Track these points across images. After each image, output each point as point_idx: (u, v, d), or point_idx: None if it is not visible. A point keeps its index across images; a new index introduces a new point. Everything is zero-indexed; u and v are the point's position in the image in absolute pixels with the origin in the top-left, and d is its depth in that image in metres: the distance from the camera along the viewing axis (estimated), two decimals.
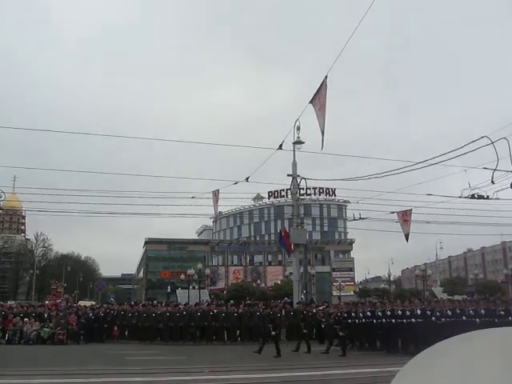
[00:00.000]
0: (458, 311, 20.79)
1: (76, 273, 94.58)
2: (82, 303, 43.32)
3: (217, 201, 32.46)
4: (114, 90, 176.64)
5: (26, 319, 28.09)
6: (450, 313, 20.62)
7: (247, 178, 29.78)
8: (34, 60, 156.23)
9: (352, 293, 78.89)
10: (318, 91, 17.87)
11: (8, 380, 13.09)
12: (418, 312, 20.71)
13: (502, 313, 20.95)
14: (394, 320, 21.33)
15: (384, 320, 21.77)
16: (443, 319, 20.26)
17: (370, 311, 22.83)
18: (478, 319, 20.16)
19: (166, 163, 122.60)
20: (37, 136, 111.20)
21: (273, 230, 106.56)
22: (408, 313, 21.07)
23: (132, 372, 15.01)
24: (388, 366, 14.41)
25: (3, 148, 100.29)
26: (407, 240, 32.00)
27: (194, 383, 13.22)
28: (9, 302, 40.71)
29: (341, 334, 20.86)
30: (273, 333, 20.60)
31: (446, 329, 19.00)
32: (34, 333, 27.08)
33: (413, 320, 20.63)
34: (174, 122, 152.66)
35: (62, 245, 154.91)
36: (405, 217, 30.67)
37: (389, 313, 21.85)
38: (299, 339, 22.17)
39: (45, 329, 27.27)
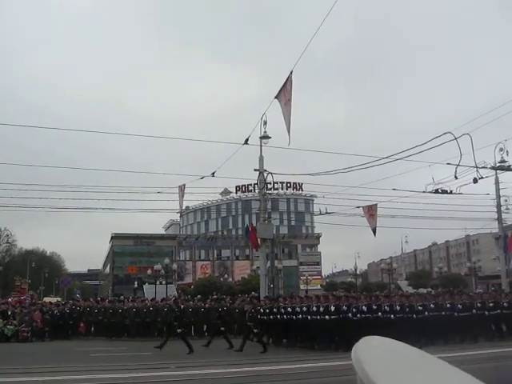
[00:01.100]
0: (375, 307, 20.67)
1: (41, 269, 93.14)
2: (47, 300, 42.76)
3: (183, 195, 32.42)
4: (80, 81, 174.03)
5: None
6: (365, 309, 20.42)
7: (213, 173, 29.74)
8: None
9: (319, 286, 79.38)
10: (283, 86, 17.93)
11: None
12: (332, 308, 20.30)
13: (420, 308, 21.08)
14: (309, 316, 20.90)
15: (301, 316, 21.37)
16: (359, 315, 20.07)
17: (290, 307, 22.31)
18: (392, 315, 20.20)
19: (130, 158, 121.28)
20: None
21: (240, 225, 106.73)
22: (322, 309, 20.66)
23: (97, 369, 14.89)
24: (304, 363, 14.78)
25: None
26: (375, 234, 32.37)
27: (161, 379, 13.17)
28: None
29: (255, 330, 20.64)
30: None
31: (361, 325, 19.04)
32: None
33: (327, 317, 20.25)
34: (139, 116, 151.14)
35: (26, 240, 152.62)
36: (370, 211, 31.01)
37: (305, 309, 21.46)
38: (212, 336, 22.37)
39: (8, 326, 26.89)
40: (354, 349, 1.13)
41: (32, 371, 14.46)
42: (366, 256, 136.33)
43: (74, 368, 15.02)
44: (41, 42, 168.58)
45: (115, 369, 14.80)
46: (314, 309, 20.96)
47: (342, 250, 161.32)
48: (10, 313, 28.51)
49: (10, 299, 40.53)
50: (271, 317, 22.70)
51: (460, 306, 22.10)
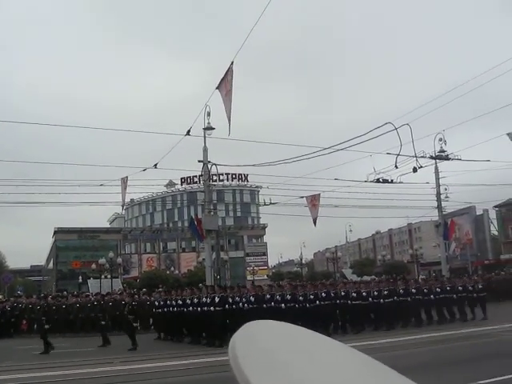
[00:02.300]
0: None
1: None
2: None
3: (125, 188, 32.11)
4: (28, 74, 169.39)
5: None
6: (252, 299, 20.26)
7: (155, 165, 29.54)
8: None
9: (265, 277, 79.92)
10: (224, 77, 17.96)
11: None
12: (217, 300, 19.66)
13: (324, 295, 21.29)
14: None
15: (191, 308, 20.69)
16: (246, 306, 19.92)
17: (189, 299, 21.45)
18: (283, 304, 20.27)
19: (72, 149, 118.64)
20: None
21: (186, 217, 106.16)
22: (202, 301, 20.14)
23: (40, 367, 14.67)
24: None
25: None
26: (315, 224, 32.77)
27: (103, 374, 13.05)
28: None
29: (135, 324, 20.56)
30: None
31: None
32: None
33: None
34: (81, 107, 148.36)
35: None
36: (313, 201, 31.38)
37: (188, 301, 21.02)
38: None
39: None
40: (231, 343, 0.94)
41: None
42: (311, 246, 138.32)
43: (17, 367, 14.76)
44: None
45: (58, 366, 14.62)
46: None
47: (288, 241, 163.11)
48: None
49: None
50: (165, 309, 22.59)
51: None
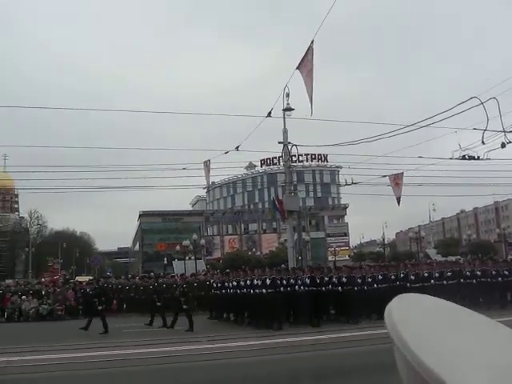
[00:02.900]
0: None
1: (72, 249, 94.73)
2: (79, 279, 43.47)
3: (208, 171, 32.38)
4: (103, 62, 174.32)
5: (24, 297, 28.26)
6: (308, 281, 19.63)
7: (237, 147, 29.67)
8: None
9: (347, 257, 79.49)
10: (304, 56, 17.73)
11: (9, 357, 13.24)
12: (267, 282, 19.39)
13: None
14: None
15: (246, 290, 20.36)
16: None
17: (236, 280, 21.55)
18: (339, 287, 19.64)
19: (152, 135, 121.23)
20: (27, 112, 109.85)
21: (266, 198, 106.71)
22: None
23: (131, 344, 15.20)
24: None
25: None
26: (399, 203, 32.15)
27: (191, 352, 13.37)
28: (6, 281, 40.73)
29: (185, 306, 20.15)
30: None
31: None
32: (33, 310, 27.29)
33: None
34: (159, 92, 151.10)
35: (56, 221, 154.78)
36: (396, 180, 30.76)
37: (242, 283, 20.81)
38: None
39: (43, 305, 27.47)
40: (386, 311, 1.00)
41: (70, 348, 14.82)
42: (393, 225, 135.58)
43: (109, 344, 15.34)
44: (54, 16, 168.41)
45: (148, 344, 15.08)
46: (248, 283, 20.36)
47: (369, 221, 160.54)
48: (43, 292, 29.10)
49: (43, 279, 41.40)
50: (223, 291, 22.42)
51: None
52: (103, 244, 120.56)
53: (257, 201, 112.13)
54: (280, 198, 31.52)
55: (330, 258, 77.81)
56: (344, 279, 19.99)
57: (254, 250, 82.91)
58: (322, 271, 21.61)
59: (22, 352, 14.01)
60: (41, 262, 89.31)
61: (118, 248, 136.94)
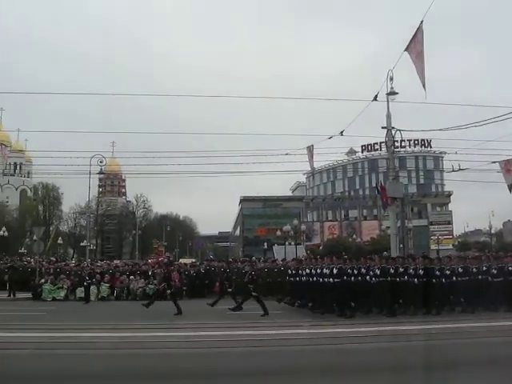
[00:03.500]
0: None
1: (175, 232, 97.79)
2: (182, 261, 44.79)
3: (312, 156, 32.11)
4: (201, 52, 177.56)
5: (131, 277, 29.43)
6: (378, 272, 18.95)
7: (342, 132, 29.32)
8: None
9: (451, 246, 77.26)
10: (413, 38, 17.16)
11: (123, 333, 13.90)
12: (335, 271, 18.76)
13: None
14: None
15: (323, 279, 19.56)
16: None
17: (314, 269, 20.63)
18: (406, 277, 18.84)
19: (252, 120, 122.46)
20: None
21: (367, 185, 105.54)
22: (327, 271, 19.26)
23: (236, 326, 15.53)
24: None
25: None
26: (510, 191, 30.73)
27: (291, 337, 13.45)
28: (114, 262, 42.64)
29: (254, 294, 19.73)
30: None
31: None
32: (140, 289, 28.38)
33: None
34: (260, 78, 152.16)
35: (160, 205, 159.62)
36: (508, 166, 29.34)
37: (313, 271, 20.28)
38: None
39: (150, 286, 28.46)
40: None
41: (176, 327, 15.38)
42: (501, 214, 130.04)
43: (215, 325, 15.72)
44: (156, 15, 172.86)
45: (251, 326, 15.33)
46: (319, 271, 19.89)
47: (475, 209, 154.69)
48: (150, 273, 30.16)
49: (149, 260, 43.01)
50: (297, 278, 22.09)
51: None
52: (204, 228, 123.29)
53: (357, 187, 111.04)
54: (382, 184, 30.98)
55: (432, 247, 75.87)
56: (420, 271, 19.15)
57: (354, 236, 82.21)
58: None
59: (142, 329, 14.76)
60: (146, 244, 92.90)
61: (219, 232, 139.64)
